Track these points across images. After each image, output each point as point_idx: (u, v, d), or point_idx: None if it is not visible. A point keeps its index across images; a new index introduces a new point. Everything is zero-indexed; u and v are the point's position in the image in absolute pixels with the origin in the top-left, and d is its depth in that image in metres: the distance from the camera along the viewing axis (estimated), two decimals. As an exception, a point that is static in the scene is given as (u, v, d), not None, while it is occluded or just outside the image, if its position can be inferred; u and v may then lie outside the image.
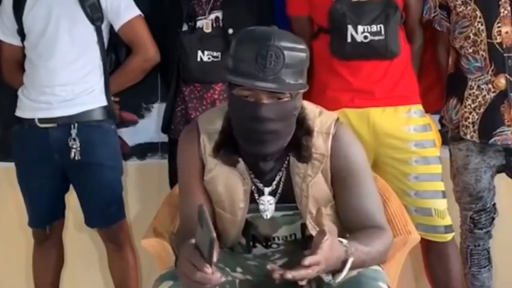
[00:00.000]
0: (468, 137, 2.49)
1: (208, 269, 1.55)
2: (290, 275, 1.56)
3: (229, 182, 1.89)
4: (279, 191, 1.90)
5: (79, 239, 3.04)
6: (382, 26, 2.41)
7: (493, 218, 2.62)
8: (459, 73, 2.53)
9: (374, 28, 2.41)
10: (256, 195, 1.90)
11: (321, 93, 2.46)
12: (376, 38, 2.41)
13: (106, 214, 2.66)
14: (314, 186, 1.87)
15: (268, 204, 1.90)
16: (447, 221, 2.50)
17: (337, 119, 1.92)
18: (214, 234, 1.53)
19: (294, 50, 1.74)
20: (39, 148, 2.57)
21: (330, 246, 1.60)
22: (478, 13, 2.44)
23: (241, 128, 1.81)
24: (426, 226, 2.46)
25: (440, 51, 2.63)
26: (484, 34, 2.43)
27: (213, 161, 1.89)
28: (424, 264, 2.66)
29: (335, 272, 1.66)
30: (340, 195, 1.88)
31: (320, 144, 1.86)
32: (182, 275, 1.62)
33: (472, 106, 2.48)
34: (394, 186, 2.35)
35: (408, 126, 2.48)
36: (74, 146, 2.54)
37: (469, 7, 2.45)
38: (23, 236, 2.93)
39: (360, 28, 2.41)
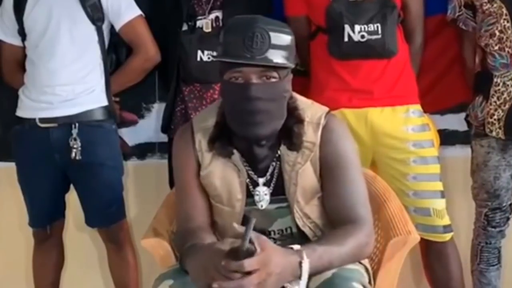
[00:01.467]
0: (494, 134, 2.52)
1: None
2: (216, 285, 1.58)
3: (225, 175, 1.92)
4: (273, 182, 1.93)
5: (79, 239, 3.04)
6: (379, 25, 2.42)
7: (508, 218, 2.64)
8: (485, 70, 2.55)
9: (371, 27, 2.42)
10: (251, 187, 1.93)
11: (319, 93, 2.47)
12: (373, 37, 2.42)
13: (106, 214, 2.67)
14: (303, 174, 1.90)
15: (263, 194, 1.93)
16: (446, 221, 2.51)
17: (328, 112, 1.96)
18: (246, 246, 1.57)
19: (279, 32, 1.81)
20: (40, 148, 2.58)
21: (264, 255, 1.59)
22: (504, 10, 2.46)
23: (233, 111, 1.85)
24: (425, 226, 2.47)
25: (466, 50, 2.66)
26: (510, 31, 2.46)
27: (209, 156, 1.92)
28: (424, 264, 2.67)
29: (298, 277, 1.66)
30: (327, 184, 1.91)
31: (310, 133, 1.90)
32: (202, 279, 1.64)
33: (498, 103, 2.51)
34: (393, 186, 2.34)
35: (406, 126, 2.49)
36: (75, 146, 2.54)
37: (495, 5, 2.48)
38: (23, 236, 2.94)
39: (357, 27, 2.42)
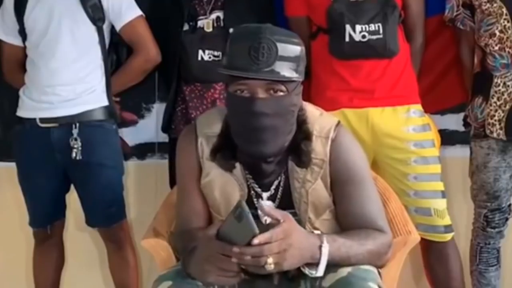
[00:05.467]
0: (495, 135, 2.51)
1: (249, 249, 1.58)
2: (237, 249, 1.58)
3: (225, 187, 1.88)
4: (278, 196, 1.88)
5: (80, 239, 3.05)
6: (380, 25, 2.42)
7: (507, 219, 2.63)
8: (484, 71, 2.54)
9: (372, 27, 2.42)
10: (255, 199, 1.88)
11: (320, 94, 2.47)
12: (374, 37, 2.42)
13: (107, 214, 2.66)
14: (314, 192, 1.85)
15: None
16: (447, 221, 2.51)
17: (338, 123, 1.90)
18: (257, 230, 1.56)
19: (287, 43, 1.73)
20: (41, 148, 2.58)
21: (288, 227, 1.61)
22: (504, 10, 2.46)
23: (239, 126, 1.79)
24: (426, 226, 2.47)
25: (463, 50, 2.65)
26: (510, 31, 2.46)
27: (210, 164, 1.88)
28: (424, 264, 2.67)
29: (317, 264, 1.66)
30: (340, 201, 1.86)
31: (319, 149, 1.84)
32: (212, 271, 1.63)
33: (498, 103, 2.50)
34: (394, 186, 2.35)
35: (407, 126, 2.48)
36: (76, 146, 2.54)
37: (495, 4, 2.47)
38: (24, 236, 2.94)
39: (358, 27, 2.42)
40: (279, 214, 1.64)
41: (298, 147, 1.82)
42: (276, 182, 1.88)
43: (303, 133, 1.83)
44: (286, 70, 1.72)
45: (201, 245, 1.68)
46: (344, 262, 1.71)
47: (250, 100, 1.73)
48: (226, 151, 1.85)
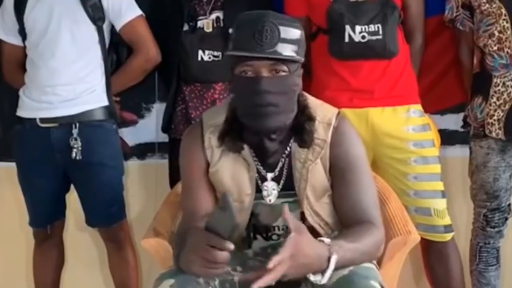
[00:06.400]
0: (494, 134, 2.51)
1: (232, 246, 1.60)
2: (256, 286, 1.59)
3: (234, 170, 1.93)
4: (283, 178, 1.94)
5: (80, 238, 3.05)
6: (380, 25, 2.42)
7: (506, 218, 2.63)
8: (484, 71, 2.55)
9: (372, 28, 2.42)
10: (259, 181, 1.95)
11: (320, 94, 2.45)
12: (374, 37, 2.43)
13: (107, 214, 2.67)
14: (313, 171, 1.91)
15: (271, 189, 1.95)
16: (447, 221, 2.51)
17: (339, 112, 1.97)
18: (237, 221, 1.58)
19: (289, 26, 1.83)
20: (41, 148, 2.58)
21: (297, 243, 1.63)
22: (503, 10, 2.47)
23: (244, 105, 1.86)
24: (426, 226, 2.47)
25: (463, 50, 2.66)
26: (509, 31, 2.46)
27: (218, 152, 1.94)
28: (424, 264, 2.67)
29: (323, 271, 1.68)
30: (337, 187, 1.92)
31: (321, 131, 1.92)
32: (196, 261, 1.64)
33: (497, 103, 2.50)
34: (394, 186, 2.36)
35: (407, 126, 2.49)
36: (76, 146, 2.54)
37: (494, 5, 2.48)
38: (23, 236, 2.94)
39: (357, 28, 2.42)
40: (293, 225, 1.65)
41: (302, 126, 1.90)
42: (280, 164, 1.94)
43: (306, 116, 1.92)
44: (288, 51, 1.82)
45: (190, 237, 1.71)
46: (348, 266, 1.74)
47: (255, 80, 1.82)
48: (233, 134, 1.92)
